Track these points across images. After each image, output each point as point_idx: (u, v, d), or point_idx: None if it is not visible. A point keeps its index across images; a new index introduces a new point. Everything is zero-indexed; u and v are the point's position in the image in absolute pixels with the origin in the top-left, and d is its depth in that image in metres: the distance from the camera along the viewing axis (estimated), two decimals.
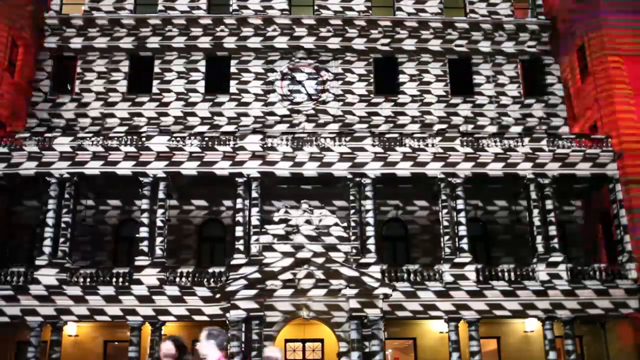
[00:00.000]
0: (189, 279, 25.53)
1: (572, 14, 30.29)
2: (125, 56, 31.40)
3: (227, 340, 6.21)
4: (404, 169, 26.70)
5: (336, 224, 25.65)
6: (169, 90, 31.01)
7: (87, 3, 31.97)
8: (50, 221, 25.49)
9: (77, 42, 31.38)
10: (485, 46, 32.29)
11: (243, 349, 23.99)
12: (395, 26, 32.25)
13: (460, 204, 26.43)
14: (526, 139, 27.28)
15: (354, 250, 25.54)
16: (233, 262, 25.29)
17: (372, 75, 31.78)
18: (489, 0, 33.14)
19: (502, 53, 32.26)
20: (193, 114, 30.69)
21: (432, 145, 26.92)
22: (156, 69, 31.30)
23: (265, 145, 26.73)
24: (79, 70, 31.14)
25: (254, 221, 25.95)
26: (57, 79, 31.21)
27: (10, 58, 29.04)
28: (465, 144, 27.07)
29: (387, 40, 32.14)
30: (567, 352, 25.05)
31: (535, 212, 26.50)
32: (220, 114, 30.71)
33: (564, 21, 31.23)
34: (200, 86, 31.19)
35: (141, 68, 31.36)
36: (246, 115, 30.74)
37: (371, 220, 26.24)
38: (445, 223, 26.28)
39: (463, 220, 26.24)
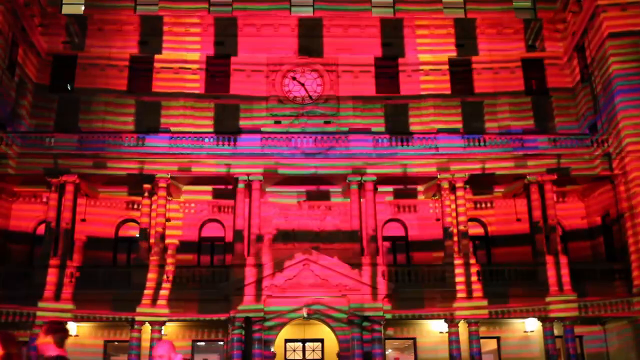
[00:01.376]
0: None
1: (572, 14, 30.23)
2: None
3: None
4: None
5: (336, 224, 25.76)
6: None
7: None
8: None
9: None
10: None
11: (243, 349, 24.01)
12: None
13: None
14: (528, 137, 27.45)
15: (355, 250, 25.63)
16: (233, 262, 25.33)
17: None
18: None
19: None
20: None
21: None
22: None
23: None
24: None
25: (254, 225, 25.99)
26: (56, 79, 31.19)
27: (11, 58, 29.02)
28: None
29: None
30: (567, 352, 25.12)
31: (536, 211, 26.55)
32: None
33: (564, 21, 31.19)
34: None
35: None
36: None
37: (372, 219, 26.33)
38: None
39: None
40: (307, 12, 32.61)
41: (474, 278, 25.30)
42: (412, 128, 30.19)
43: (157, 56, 31.39)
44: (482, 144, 27.27)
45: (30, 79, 30.10)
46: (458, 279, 25.31)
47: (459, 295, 25.16)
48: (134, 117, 30.31)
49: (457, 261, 25.56)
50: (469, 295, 25.14)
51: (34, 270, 25.05)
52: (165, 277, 24.90)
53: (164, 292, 24.78)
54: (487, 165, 26.89)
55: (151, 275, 24.96)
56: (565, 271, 25.38)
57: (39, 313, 24.08)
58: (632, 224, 25.90)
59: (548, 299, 25.20)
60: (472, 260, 25.58)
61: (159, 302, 24.69)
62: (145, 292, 24.74)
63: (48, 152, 26.15)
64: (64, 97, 30.40)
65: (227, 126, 29.66)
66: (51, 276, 24.57)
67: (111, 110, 30.20)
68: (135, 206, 28.34)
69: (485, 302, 25.01)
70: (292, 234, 28.07)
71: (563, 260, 25.57)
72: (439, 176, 26.77)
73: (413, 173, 26.97)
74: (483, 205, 29.40)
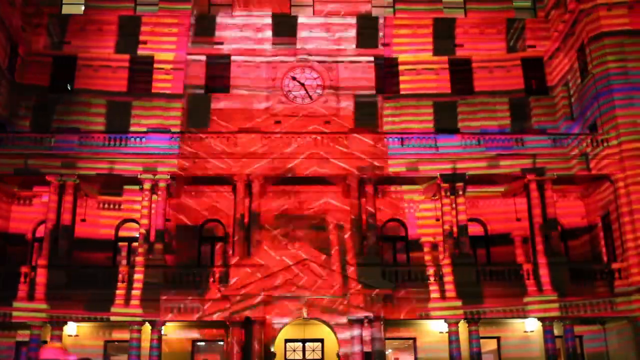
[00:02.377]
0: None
1: (572, 14, 30.25)
2: None
3: None
4: None
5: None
6: None
7: None
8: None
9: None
10: None
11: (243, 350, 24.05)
12: None
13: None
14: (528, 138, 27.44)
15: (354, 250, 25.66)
16: (233, 262, 25.30)
17: None
18: None
19: None
20: None
21: None
22: None
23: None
24: None
25: (255, 225, 25.97)
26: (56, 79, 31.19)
27: (11, 58, 29.00)
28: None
29: None
30: (567, 352, 25.15)
31: (536, 210, 26.55)
32: None
33: (564, 21, 31.20)
34: None
35: None
36: None
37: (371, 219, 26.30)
38: None
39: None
40: (308, 13, 32.71)
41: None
42: (412, 127, 30.17)
43: (156, 56, 31.43)
44: (479, 143, 27.30)
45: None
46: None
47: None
48: (128, 117, 30.31)
49: (449, 261, 25.61)
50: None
51: (30, 270, 24.99)
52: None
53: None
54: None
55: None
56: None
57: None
58: (621, 224, 26.15)
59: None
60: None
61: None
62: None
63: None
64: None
65: (227, 126, 29.66)
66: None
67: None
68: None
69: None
70: (293, 234, 28.08)
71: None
72: (438, 175, 26.77)
73: (412, 172, 26.95)
74: (477, 204, 29.40)
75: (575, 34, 29.61)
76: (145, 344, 24.71)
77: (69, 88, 30.84)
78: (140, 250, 25.45)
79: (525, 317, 25.48)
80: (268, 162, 26.59)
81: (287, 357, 26.78)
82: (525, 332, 27.04)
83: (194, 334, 26.91)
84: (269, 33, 31.83)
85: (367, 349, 24.37)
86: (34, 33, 30.99)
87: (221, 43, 31.77)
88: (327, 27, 32.01)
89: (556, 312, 25.04)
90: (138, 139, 26.74)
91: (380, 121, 30.56)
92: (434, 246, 26.97)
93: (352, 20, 32.09)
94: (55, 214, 25.70)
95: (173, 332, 26.39)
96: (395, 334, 27.04)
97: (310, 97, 31.15)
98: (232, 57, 31.59)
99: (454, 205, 26.59)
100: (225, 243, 28.29)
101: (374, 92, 31.32)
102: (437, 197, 27.74)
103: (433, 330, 26.73)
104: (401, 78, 31.72)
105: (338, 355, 25.15)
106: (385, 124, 30.51)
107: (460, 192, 26.67)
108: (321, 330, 26.32)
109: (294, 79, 31.45)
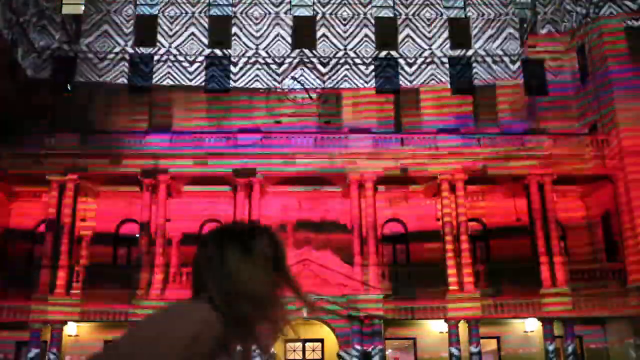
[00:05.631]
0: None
1: (571, 14, 30.31)
2: None
3: None
4: None
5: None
6: None
7: None
8: None
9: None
10: None
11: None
12: None
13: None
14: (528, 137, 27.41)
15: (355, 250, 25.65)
16: None
17: None
18: None
19: None
20: None
21: None
22: None
23: None
24: None
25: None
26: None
27: (13, 57, 28.99)
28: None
29: None
30: (567, 352, 25.15)
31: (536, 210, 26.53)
32: None
33: (565, 21, 31.23)
34: None
35: None
36: None
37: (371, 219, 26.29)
38: None
39: None
40: (308, 13, 32.77)
41: (467, 279, 25.30)
42: (412, 127, 30.16)
43: (156, 54, 31.47)
44: (480, 143, 27.28)
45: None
46: (451, 279, 25.43)
47: (450, 295, 25.22)
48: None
49: (450, 261, 25.62)
50: (461, 295, 25.16)
51: (32, 269, 25.18)
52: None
53: (157, 286, 24.72)
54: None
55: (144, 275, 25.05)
56: (559, 269, 25.38)
57: (33, 308, 24.28)
58: (621, 224, 26.29)
59: (543, 298, 25.26)
60: (466, 260, 25.53)
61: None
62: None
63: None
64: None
65: (227, 125, 29.68)
66: (44, 276, 24.67)
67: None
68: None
69: (477, 303, 25.00)
70: (292, 234, 28.05)
71: (557, 259, 25.54)
72: (439, 176, 26.75)
73: (412, 172, 26.91)
74: (482, 203, 29.40)
75: (576, 32, 29.59)
76: None
77: (69, 87, 30.89)
78: (142, 250, 25.46)
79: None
80: (268, 160, 26.55)
81: (287, 357, 26.76)
82: (525, 332, 27.04)
83: None
84: None
85: (367, 349, 24.38)
86: (36, 32, 31.04)
87: (220, 42, 31.81)
88: (328, 27, 32.11)
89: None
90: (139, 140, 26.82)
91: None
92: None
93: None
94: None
95: None
96: (395, 334, 27.04)
97: (310, 95, 31.15)
98: None
99: (454, 205, 26.57)
100: None
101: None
102: (437, 196, 27.72)
103: (433, 330, 26.71)
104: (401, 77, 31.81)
105: (338, 355, 25.13)
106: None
107: (461, 192, 26.65)
108: (321, 330, 26.30)
109: (293, 78, 31.41)
